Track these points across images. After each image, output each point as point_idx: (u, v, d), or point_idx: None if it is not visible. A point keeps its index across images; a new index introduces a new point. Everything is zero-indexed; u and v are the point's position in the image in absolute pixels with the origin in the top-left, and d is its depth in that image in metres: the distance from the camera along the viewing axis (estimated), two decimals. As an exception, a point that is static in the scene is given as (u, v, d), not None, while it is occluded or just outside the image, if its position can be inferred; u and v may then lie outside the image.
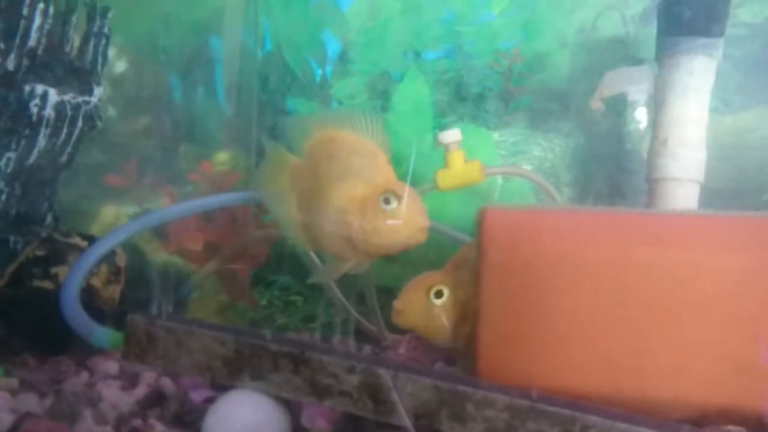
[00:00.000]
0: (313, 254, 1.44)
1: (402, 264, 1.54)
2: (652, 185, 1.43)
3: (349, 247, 0.99)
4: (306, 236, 1.05)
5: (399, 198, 0.94)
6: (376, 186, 0.96)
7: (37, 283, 1.36)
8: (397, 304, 1.08)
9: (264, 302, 1.81)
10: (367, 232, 0.95)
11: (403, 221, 0.94)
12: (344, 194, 0.97)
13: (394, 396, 0.83)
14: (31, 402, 1.04)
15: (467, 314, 1.05)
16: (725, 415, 0.90)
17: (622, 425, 0.78)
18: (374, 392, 0.85)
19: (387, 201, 0.94)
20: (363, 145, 0.99)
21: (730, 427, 0.90)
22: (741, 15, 1.67)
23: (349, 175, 0.98)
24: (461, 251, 1.12)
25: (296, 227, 1.06)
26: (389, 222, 0.94)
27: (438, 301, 1.07)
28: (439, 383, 0.83)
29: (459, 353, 1.15)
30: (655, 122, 1.44)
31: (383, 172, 0.98)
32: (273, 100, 2.01)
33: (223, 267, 1.72)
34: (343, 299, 1.52)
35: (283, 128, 1.10)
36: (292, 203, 1.06)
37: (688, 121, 1.39)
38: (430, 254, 1.26)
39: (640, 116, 1.75)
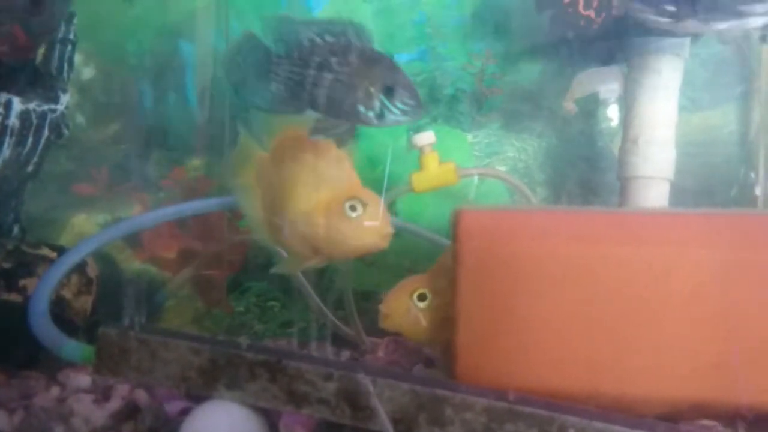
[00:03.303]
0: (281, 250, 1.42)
1: (379, 268, 1.54)
2: (623, 184, 1.45)
3: (312, 249, 0.98)
4: (270, 233, 1.04)
5: (364, 205, 0.93)
6: (341, 192, 0.95)
7: (4, 296, 1.33)
8: (382, 307, 1.08)
9: (241, 309, 1.79)
10: (331, 238, 0.94)
11: (368, 228, 0.93)
12: (309, 198, 0.96)
13: (376, 402, 0.83)
14: (-1, 419, 1.01)
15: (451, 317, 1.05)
16: (702, 411, 0.92)
17: (599, 424, 0.79)
18: (352, 399, 0.85)
19: (353, 208, 0.93)
20: (328, 149, 0.99)
21: (704, 422, 0.91)
22: (706, 15, 1.70)
23: (315, 178, 0.97)
24: (446, 254, 1.11)
25: (262, 222, 1.04)
26: (354, 228, 0.93)
27: (421, 304, 1.07)
28: (417, 388, 0.83)
29: (442, 356, 1.15)
30: (625, 121, 1.46)
31: (348, 178, 0.98)
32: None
33: (199, 274, 1.70)
34: (321, 303, 1.51)
35: (250, 121, 1.07)
36: (258, 198, 1.05)
37: (657, 119, 1.41)
38: (408, 258, 1.26)
39: (611, 116, 1.77)
